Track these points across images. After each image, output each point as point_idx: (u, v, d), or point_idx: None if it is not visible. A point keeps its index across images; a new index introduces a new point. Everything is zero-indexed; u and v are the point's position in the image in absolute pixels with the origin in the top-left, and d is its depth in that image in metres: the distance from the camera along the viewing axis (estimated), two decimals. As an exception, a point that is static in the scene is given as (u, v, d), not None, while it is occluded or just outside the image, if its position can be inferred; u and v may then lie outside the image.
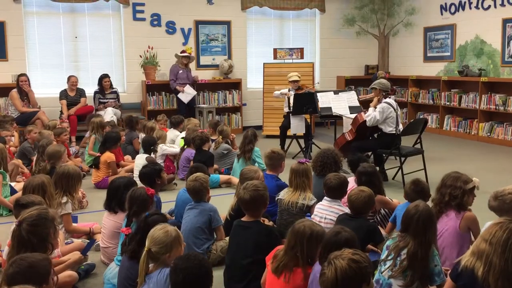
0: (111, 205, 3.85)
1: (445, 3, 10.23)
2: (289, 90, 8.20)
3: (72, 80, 8.94)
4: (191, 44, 10.35)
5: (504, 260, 2.33)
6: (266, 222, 3.71)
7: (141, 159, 5.92)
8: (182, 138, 6.82)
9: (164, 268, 2.64)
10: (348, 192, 4.02)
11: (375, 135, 6.44)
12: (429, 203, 3.24)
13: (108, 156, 6.12)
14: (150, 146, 6.20)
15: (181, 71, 9.62)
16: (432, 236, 2.86)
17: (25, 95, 8.49)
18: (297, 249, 2.69)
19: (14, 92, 8.44)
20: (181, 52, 9.67)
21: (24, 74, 8.60)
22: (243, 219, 3.37)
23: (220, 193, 5.68)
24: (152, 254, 2.62)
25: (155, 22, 10.09)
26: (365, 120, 6.21)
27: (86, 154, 7.17)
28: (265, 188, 3.39)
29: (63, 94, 8.91)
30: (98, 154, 6.30)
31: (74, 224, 4.26)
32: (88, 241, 4.00)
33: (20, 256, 2.45)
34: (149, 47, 9.88)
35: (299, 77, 8.24)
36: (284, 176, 4.55)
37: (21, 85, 8.43)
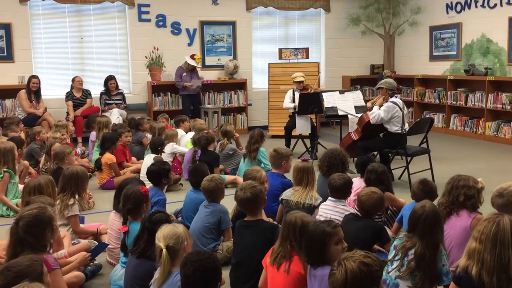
0: (120, 206, 3.85)
1: (451, 2, 10.18)
2: (293, 91, 8.19)
3: (77, 80, 8.99)
4: (196, 45, 10.37)
5: (495, 255, 2.34)
6: (271, 221, 3.71)
7: (149, 159, 5.92)
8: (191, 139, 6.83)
9: (178, 271, 2.63)
10: (353, 192, 4.03)
11: (381, 135, 6.42)
12: (435, 203, 3.22)
13: (108, 157, 6.11)
14: (157, 147, 6.23)
15: (185, 73, 9.64)
16: (439, 236, 2.84)
17: (33, 96, 8.55)
18: (291, 238, 2.79)
19: (22, 92, 8.50)
20: (190, 56, 9.70)
21: (36, 76, 8.65)
22: (245, 219, 3.40)
23: (226, 193, 5.66)
24: (172, 249, 2.61)
25: (160, 23, 10.11)
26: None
27: (94, 153, 7.20)
28: (260, 184, 3.49)
29: (69, 96, 8.95)
30: (100, 156, 6.30)
31: (81, 225, 4.27)
32: (96, 242, 4.01)
33: (6, 266, 2.41)
34: (154, 48, 9.90)
35: (303, 77, 8.24)
36: (289, 176, 4.55)
37: (32, 87, 8.48)
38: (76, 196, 4.26)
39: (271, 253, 2.89)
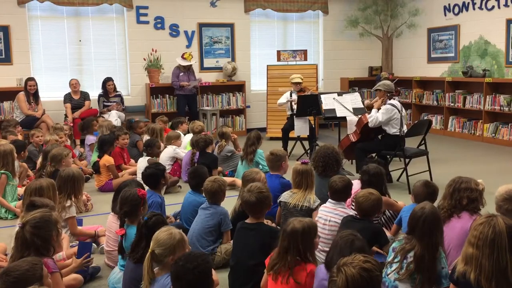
0: (117, 208, 3.84)
1: (449, 4, 10.21)
2: (291, 93, 8.20)
3: (72, 83, 8.98)
4: (194, 47, 10.37)
5: (493, 260, 2.31)
6: (270, 223, 3.72)
7: (143, 162, 5.92)
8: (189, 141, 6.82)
9: (168, 274, 2.63)
10: (353, 194, 4.02)
11: (379, 137, 6.42)
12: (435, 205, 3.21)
13: (107, 160, 6.10)
14: (145, 147, 6.22)
15: (182, 73, 9.66)
16: (439, 238, 2.83)
17: (32, 98, 8.54)
18: (293, 249, 2.70)
19: (21, 94, 8.50)
20: (181, 57, 9.69)
21: (32, 79, 8.64)
22: (246, 221, 3.39)
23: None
24: (156, 256, 2.62)
25: (159, 25, 10.11)
26: (370, 121, 6.19)
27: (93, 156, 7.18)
28: (268, 190, 3.44)
29: (67, 98, 8.95)
30: (98, 159, 6.28)
31: (79, 227, 4.26)
32: (95, 245, 4.00)
33: (5, 270, 2.39)
34: (152, 50, 9.90)
35: (301, 79, 8.25)
36: (288, 177, 4.54)
37: (29, 89, 8.48)
38: (73, 198, 4.25)
39: (270, 260, 2.83)
